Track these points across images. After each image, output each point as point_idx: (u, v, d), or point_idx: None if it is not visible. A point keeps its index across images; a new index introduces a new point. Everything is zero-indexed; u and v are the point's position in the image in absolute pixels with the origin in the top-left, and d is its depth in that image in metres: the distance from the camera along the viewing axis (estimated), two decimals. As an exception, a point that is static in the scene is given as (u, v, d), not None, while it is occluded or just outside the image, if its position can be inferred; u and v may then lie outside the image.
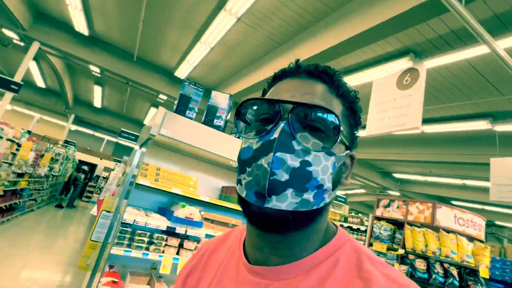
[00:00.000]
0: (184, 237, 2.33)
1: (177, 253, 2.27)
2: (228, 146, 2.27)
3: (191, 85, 2.19)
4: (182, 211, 2.26)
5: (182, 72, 8.19)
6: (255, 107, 0.49)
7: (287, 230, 0.44)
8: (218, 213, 2.49)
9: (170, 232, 2.27)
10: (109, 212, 2.34)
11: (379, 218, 5.18)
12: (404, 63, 4.77)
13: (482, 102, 5.60)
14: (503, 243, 9.61)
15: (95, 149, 17.35)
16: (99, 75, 10.06)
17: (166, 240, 2.23)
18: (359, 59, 5.38)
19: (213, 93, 2.28)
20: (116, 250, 1.97)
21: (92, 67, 9.34)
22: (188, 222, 2.24)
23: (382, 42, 4.71)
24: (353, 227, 5.85)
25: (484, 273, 3.17)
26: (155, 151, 2.46)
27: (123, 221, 1.94)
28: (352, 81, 5.70)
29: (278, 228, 0.43)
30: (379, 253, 4.94)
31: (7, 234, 5.50)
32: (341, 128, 0.44)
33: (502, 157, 4.38)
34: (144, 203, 2.49)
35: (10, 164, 5.86)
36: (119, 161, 10.83)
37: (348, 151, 0.50)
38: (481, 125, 6.15)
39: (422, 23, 3.73)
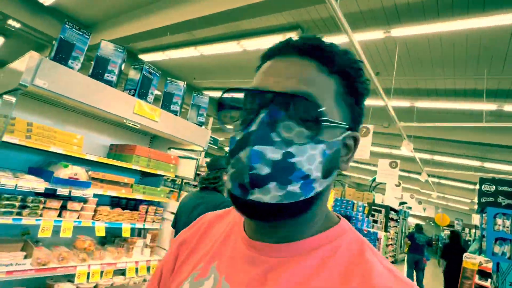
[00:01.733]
0: (67, 198, 2.16)
1: (59, 215, 2.11)
2: (121, 103, 2.13)
3: (74, 29, 1.87)
4: (64, 171, 2.06)
5: (46, -3, 6.43)
6: (238, 96, 0.45)
7: (276, 220, 0.42)
8: (108, 172, 2.38)
9: (49, 194, 2.06)
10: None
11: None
12: (292, 36, 5.33)
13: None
14: (344, 187, 12.86)
15: None
16: None
17: (45, 203, 2.02)
18: (257, 25, 5.62)
19: (103, 43, 2.02)
20: (-25, 218, 1.68)
21: None
22: (72, 182, 2.08)
23: (277, 15, 5.06)
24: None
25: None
26: (25, 102, 2.05)
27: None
28: (249, 45, 5.99)
29: (267, 218, 0.41)
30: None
31: None
32: (328, 117, 0.41)
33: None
34: (8, 163, 2.11)
35: None
36: None
37: (349, 131, 0.45)
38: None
39: (309, 6, 4.21)
